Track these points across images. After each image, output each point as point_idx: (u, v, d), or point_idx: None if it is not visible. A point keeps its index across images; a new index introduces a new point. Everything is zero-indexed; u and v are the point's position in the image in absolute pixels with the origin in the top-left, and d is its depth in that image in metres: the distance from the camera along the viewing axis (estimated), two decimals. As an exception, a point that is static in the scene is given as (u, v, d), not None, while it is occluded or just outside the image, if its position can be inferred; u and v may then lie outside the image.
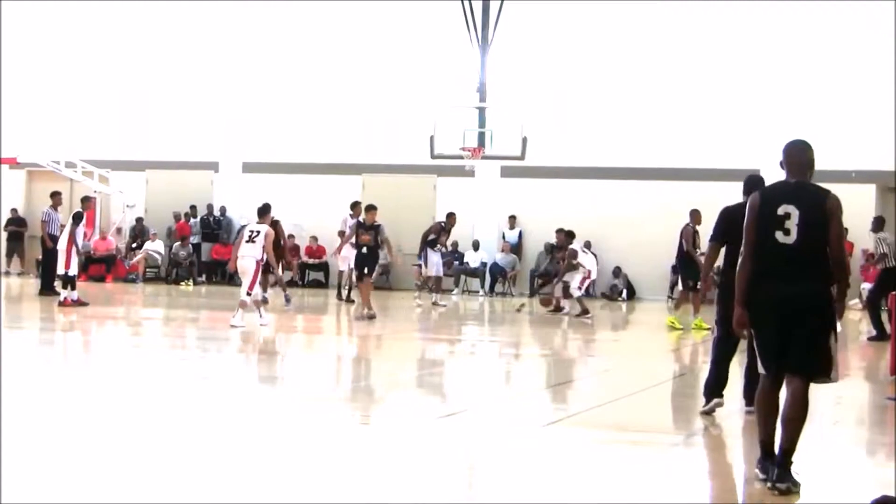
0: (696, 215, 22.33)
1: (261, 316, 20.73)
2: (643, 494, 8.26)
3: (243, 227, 22.62)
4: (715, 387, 11.32)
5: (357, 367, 17.01)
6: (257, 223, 20.99)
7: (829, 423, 12.03)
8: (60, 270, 24.59)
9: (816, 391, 14.51)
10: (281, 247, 26.16)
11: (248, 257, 20.52)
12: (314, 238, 35.24)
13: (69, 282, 24.38)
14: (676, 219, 27.96)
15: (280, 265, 25.99)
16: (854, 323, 27.78)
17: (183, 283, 34.47)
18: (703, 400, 11.38)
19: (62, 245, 24.75)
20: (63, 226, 28.87)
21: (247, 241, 20.59)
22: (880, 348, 19.44)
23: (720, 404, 11.24)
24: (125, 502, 7.51)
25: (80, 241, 25.33)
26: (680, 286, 23.44)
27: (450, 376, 15.84)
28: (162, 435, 9.78)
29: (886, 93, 30.99)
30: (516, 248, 34.22)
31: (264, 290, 26.19)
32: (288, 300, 25.90)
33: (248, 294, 20.60)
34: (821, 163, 31.07)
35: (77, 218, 24.88)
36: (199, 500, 7.53)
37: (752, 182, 11.56)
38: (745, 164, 31.06)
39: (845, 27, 31.84)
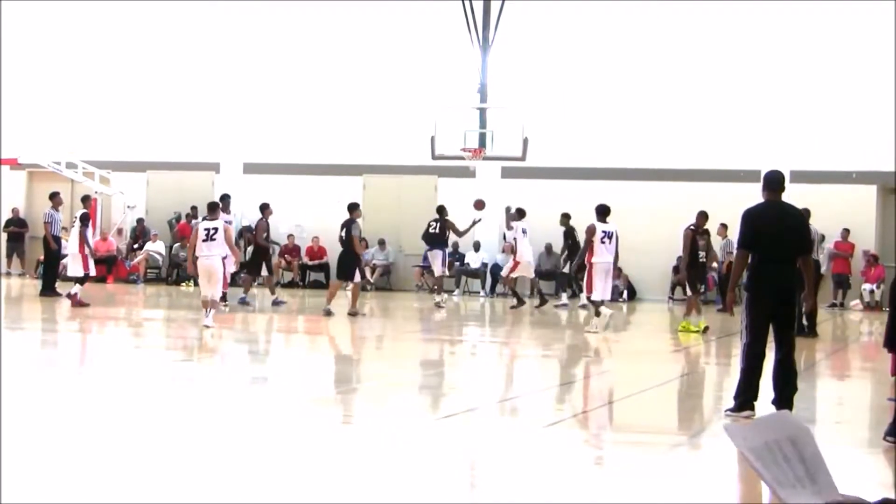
0: (701, 217, 21.91)
1: (206, 316, 19.89)
2: (645, 495, 8.27)
3: (188, 221, 22.36)
4: (747, 396, 11.23)
5: (357, 368, 17.00)
6: (209, 219, 20.41)
7: (830, 423, 12.05)
8: (79, 272, 24.69)
9: (818, 392, 14.55)
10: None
11: (213, 256, 19.90)
12: (316, 239, 35.25)
13: (82, 281, 24.60)
14: (678, 220, 28.07)
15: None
16: (855, 324, 27.82)
17: (184, 284, 34.44)
18: (714, 401, 11.34)
19: (74, 248, 24.93)
20: (65, 228, 28.94)
21: (204, 241, 19.86)
22: (881, 349, 19.40)
23: (752, 416, 11.04)
24: (126, 502, 7.52)
25: (90, 241, 25.69)
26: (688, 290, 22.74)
27: (450, 377, 15.85)
28: (161, 436, 9.79)
29: (887, 93, 31.00)
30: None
31: (246, 291, 26.33)
32: (278, 302, 26.18)
33: (224, 292, 20.30)
34: (822, 164, 31.22)
35: (84, 219, 25.10)
36: (200, 500, 7.54)
37: (775, 179, 11.53)
38: (746, 165, 31.31)
39: (845, 27, 31.85)
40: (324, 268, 35.40)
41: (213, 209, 20.84)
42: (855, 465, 9.53)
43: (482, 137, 32.49)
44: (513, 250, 28.44)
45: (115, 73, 37.11)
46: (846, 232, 31.74)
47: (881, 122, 31.10)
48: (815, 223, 31.60)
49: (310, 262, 35.55)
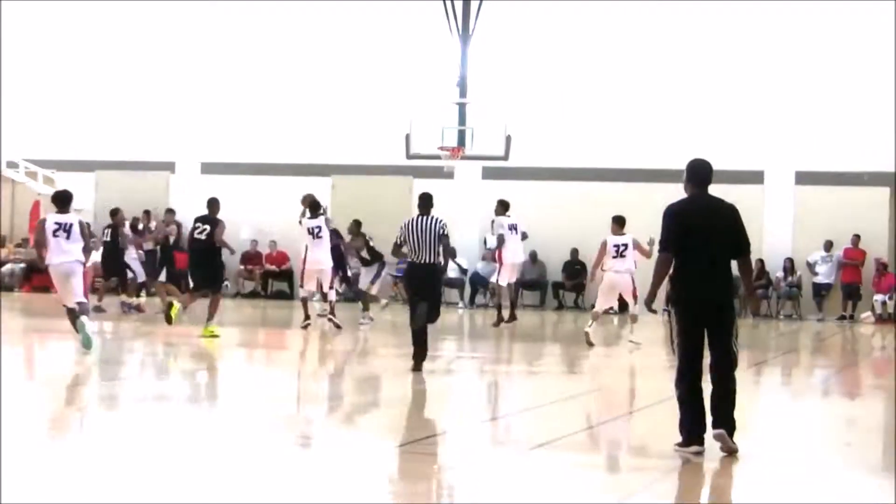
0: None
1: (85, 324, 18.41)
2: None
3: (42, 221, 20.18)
4: (692, 428, 10.52)
5: (325, 386, 16.97)
6: (58, 213, 18.75)
7: (839, 444, 12.08)
8: None
9: (826, 411, 14.59)
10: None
11: (71, 260, 18.37)
12: (273, 243, 35.12)
13: None
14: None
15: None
16: (866, 338, 27.90)
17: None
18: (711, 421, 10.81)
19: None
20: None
21: (55, 236, 18.29)
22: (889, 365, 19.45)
23: (701, 452, 10.44)
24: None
25: None
26: None
27: (428, 396, 15.82)
28: (115, 459, 9.77)
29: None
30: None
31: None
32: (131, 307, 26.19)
33: (85, 299, 19.18)
34: (830, 164, 31.23)
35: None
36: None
37: (701, 170, 11.01)
38: (748, 166, 31.39)
39: (853, 18, 31.89)
40: (287, 276, 35.28)
41: (63, 203, 19.02)
42: (865, 490, 9.56)
43: (461, 135, 32.48)
44: (496, 251, 27.81)
45: (61, 64, 36.99)
46: (857, 238, 31.81)
47: (894, 118, 31.19)
48: (823, 228, 31.98)
49: (273, 269, 35.36)
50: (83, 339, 17.94)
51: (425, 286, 16.87)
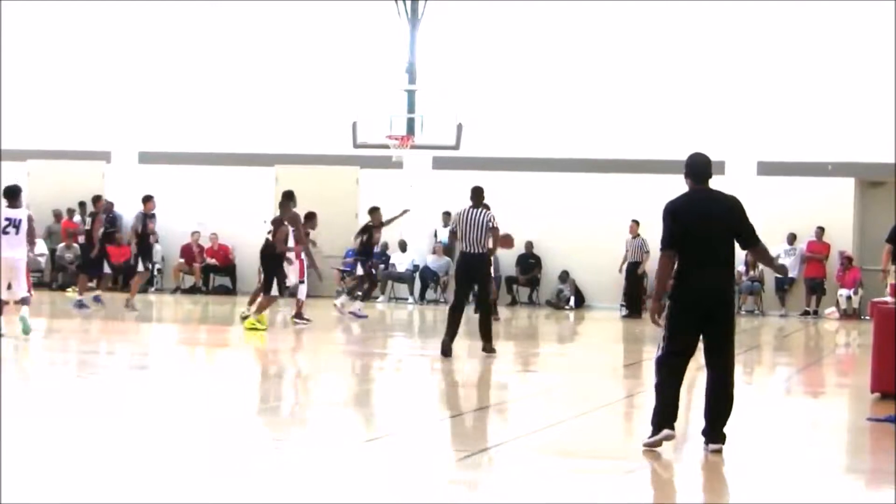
0: None
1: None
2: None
3: None
4: (665, 415, 10.61)
5: (272, 384, 16.92)
6: (9, 207, 19.53)
7: (803, 446, 12.13)
8: None
9: (790, 411, 14.64)
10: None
11: (19, 256, 19.39)
12: (214, 236, 34.96)
13: None
14: (630, 216, 28.24)
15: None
16: (831, 334, 28.04)
17: (69, 290, 34.13)
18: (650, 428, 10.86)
19: None
20: None
21: (6, 233, 19.14)
22: (859, 363, 19.55)
23: (671, 436, 10.62)
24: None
25: None
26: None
27: (376, 395, 15.80)
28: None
29: (867, 75, 31.26)
30: (450, 250, 34.17)
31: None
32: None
33: (30, 293, 19.92)
34: (793, 154, 31.38)
35: None
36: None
37: (701, 164, 11.15)
38: (709, 156, 31.38)
39: (810, 13, 32.00)
40: (229, 270, 35.16)
41: (13, 196, 19.84)
42: (829, 493, 9.60)
43: (410, 123, 32.46)
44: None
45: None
46: (820, 231, 31.95)
47: (860, 106, 31.31)
48: (786, 220, 32.05)
49: (214, 263, 35.18)
50: (24, 327, 19.28)
51: (479, 274, 19.08)
